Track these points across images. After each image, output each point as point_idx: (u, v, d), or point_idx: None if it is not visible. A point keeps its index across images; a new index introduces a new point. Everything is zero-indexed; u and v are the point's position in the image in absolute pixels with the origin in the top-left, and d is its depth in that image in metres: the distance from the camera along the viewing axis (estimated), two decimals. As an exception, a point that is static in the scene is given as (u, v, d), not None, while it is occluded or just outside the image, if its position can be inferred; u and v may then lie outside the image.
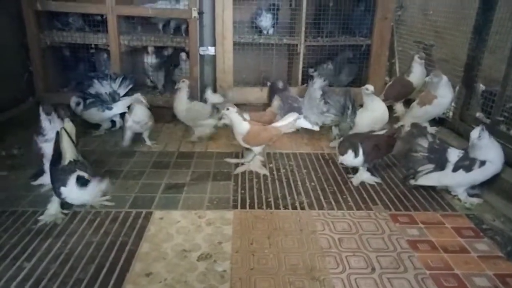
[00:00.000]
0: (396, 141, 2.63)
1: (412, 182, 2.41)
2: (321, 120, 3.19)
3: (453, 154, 2.31)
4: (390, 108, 3.45)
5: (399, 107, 3.50)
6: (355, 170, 2.67)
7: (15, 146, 2.99)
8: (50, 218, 2.09)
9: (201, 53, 3.63)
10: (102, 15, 3.44)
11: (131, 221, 2.11)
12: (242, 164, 2.81)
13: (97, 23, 3.58)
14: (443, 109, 3.05)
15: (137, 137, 3.13)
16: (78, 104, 3.24)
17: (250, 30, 3.82)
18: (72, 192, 2.01)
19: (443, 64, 3.65)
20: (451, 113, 3.09)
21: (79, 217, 2.13)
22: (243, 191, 2.46)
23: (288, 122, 2.77)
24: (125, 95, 3.31)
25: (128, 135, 3.03)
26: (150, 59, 3.72)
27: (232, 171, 2.75)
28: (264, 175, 2.68)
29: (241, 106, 3.73)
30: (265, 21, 3.70)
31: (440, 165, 2.32)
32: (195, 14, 3.43)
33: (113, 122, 3.40)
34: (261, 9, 3.71)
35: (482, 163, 2.22)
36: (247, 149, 2.90)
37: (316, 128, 3.24)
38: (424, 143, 2.38)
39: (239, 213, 2.22)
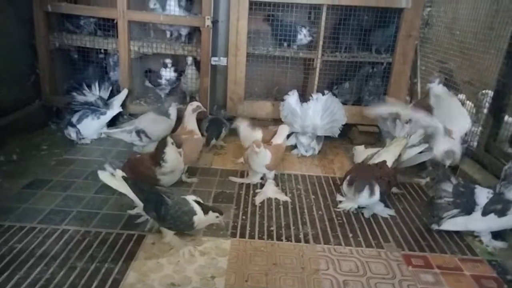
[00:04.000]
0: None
1: (435, 227, 2.18)
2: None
3: (482, 196, 2.09)
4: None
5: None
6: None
7: (16, 151, 2.90)
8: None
9: (213, 63, 3.49)
10: (113, 20, 3.33)
11: (120, 244, 1.97)
12: (260, 187, 2.67)
13: (109, 27, 3.48)
14: None
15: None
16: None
17: (265, 42, 3.64)
18: (203, 218, 1.97)
19: (467, 87, 3.43)
20: (475, 143, 2.86)
21: (67, 237, 2.00)
22: (244, 217, 2.29)
23: (284, 135, 2.81)
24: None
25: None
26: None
27: (235, 191, 2.59)
28: (279, 200, 2.51)
29: (251, 121, 3.65)
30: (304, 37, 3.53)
31: (468, 209, 2.10)
32: (208, 22, 3.30)
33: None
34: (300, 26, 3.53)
35: None
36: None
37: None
38: (448, 187, 2.16)
39: (237, 242, 2.05)
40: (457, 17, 3.58)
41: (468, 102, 3.29)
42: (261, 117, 3.62)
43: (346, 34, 3.55)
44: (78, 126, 3.07)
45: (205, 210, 1.98)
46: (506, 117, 2.64)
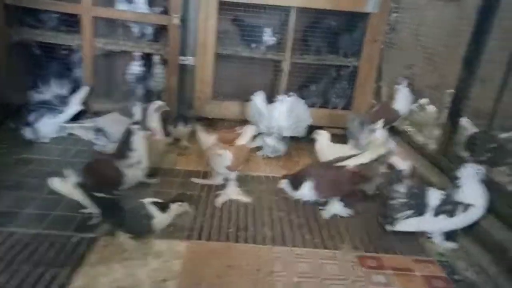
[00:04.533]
0: (363, 179, 2.48)
1: (389, 227, 2.23)
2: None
3: (433, 198, 2.15)
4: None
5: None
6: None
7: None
8: None
9: (181, 62, 3.45)
10: (77, 15, 3.25)
11: (71, 247, 1.91)
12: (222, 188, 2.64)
13: (73, 23, 3.39)
14: None
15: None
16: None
17: (234, 42, 3.64)
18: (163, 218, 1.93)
19: (431, 92, 3.52)
20: (434, 146, 2.93)
21: (14, 239, 1.92)
22: (203, 219, 2.27)
23: (249, 136, 2.74)
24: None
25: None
26: None
27: (196, 192, 2.57)
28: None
29: (219, 122, 3.63)
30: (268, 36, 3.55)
31: (420, 210, 2.15)
32: (176, 21, 3.26)
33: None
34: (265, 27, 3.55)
35: (466, 207, 2.06)
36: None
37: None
38: (401, 188, 2.20)
39: (194, 245, 2.03)
40: (422, 24, 3.67)
41: (430, 106, 3.38)
42: (229, 118, 3.61)
43: (314, 37, 3.59)
44: (35, 125, 2.96)
45: (164, 207, 1.94)
46: (463, 122, 2.71)
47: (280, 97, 3.20)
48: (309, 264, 1.97)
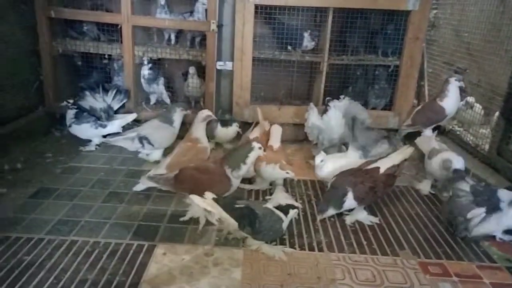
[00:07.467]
0: (395, 179, 2.39)
1: (466, 234, 2.11)
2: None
3: (504, 194, 2.05)
4: (418, 134, 3.22)
5: (428, 133, 3.23)
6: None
7: (20, 159, 2.85)
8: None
9: (218, 67, 3.45)
10: (117, 25, 3.29)
11: (131, 255, 1.92)
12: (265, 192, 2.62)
13: (112, 32, 3.45)
14: None
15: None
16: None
17: (271, 45, 3.61)
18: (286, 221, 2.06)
19: (474, 89, 3.40)
20: (487, 146, 2.82)
21: (76, 248, 1.95)
22: (255, 225, 2.24)
23: (279, 137, 2.76)
24: (117, 111, 3.25)
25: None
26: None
27: (244, 199, 2.54)
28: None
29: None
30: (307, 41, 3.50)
31: (493, 206, 2.04)
32: (213, 27, 3.26)
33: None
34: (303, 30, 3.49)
35: None
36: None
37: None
38: (465, 187, 2.11)
39: (250, 252, 2.00)
40: (463, 19, 3.56)
41: (477, 104, 3.26)
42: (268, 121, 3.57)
43: (352, 37, 3.52)
44: (74, 125, 3.08)
45: (285, 212, 2.05)
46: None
47: (331, 104, 3.08)
48: (370, 271, 1.91)
